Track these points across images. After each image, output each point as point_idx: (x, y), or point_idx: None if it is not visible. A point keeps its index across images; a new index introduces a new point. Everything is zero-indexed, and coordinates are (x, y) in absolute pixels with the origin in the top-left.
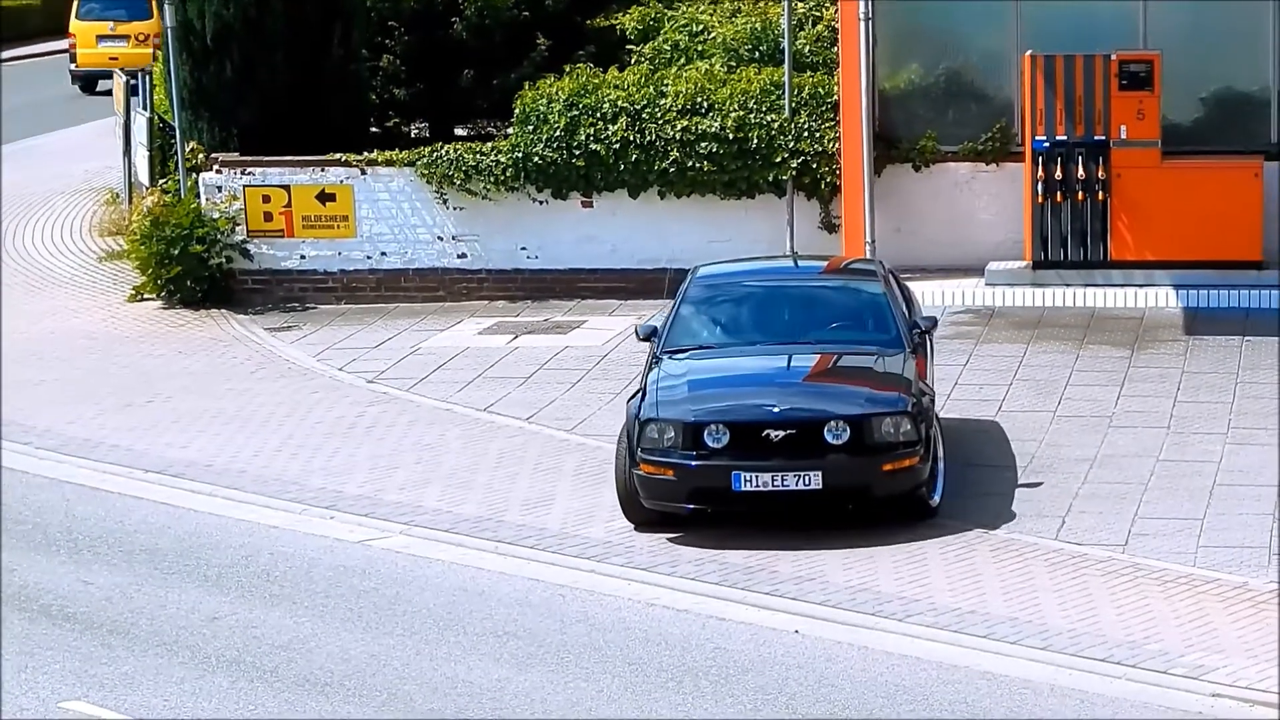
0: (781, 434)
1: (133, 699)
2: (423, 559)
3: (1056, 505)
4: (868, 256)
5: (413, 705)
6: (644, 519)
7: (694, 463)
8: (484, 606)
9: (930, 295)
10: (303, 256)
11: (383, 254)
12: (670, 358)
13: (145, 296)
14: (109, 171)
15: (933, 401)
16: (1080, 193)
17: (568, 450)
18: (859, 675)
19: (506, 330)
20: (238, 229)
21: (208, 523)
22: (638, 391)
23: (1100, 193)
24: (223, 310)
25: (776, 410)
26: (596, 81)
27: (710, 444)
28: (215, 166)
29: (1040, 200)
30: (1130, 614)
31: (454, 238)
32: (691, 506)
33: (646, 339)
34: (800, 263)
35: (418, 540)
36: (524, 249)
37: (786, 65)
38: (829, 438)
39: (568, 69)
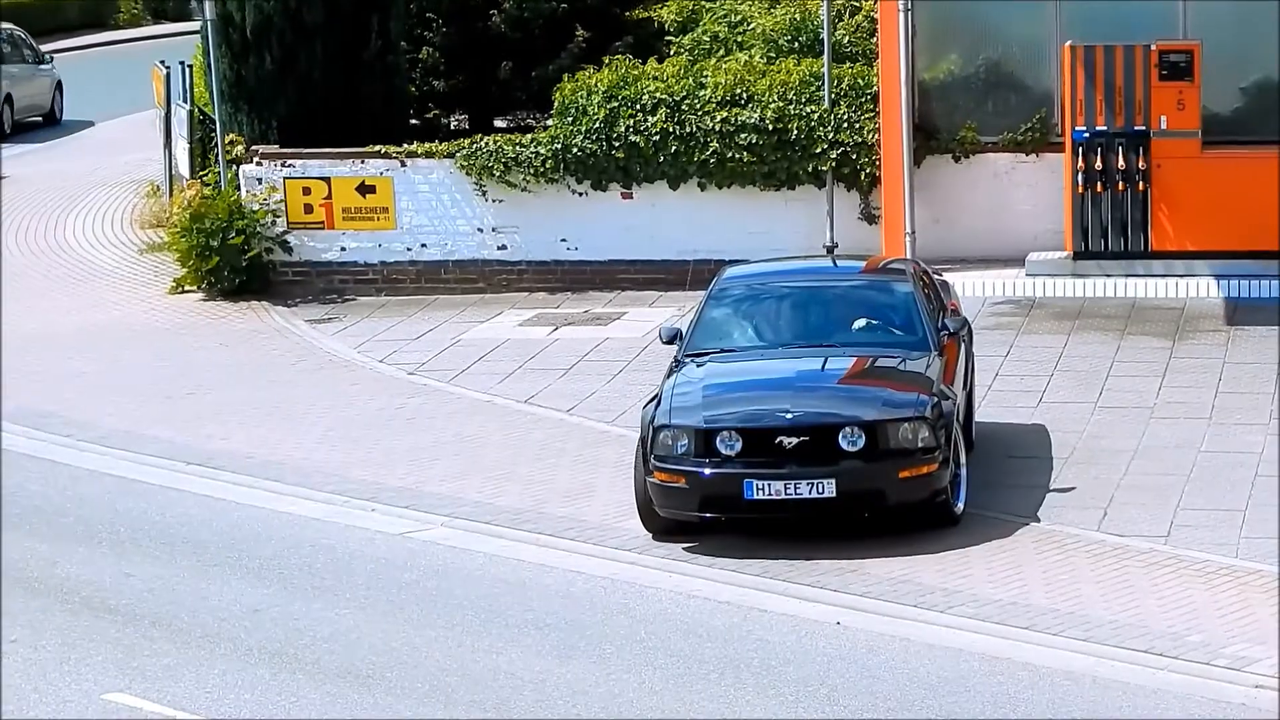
0: (795, 440)
1: (175, 690)
2: (464, 551)
3: (1098, 497)
4: (905, 256)
5: (454, 697)
6: (660, 528)
7: (706, 470)
8: (525, 598)
9: (970, 286)
10: (343, 248)
11: (423, 246)
12: (691, 362)
13: (186, 288)
14: (149, 164)
15: (955, 404)
16: (1120, 183)
17: (608, 442)
18: (901, 667)
19: (546, 322)
20: (278, 221)
21: (249, 515)
22: (654, 397)
23: (1140, 183)
24: (263, 302)
25: (790, 416)
26: (636, 73)
27: (723, 451)
28: (255, 159)
29: (1080, 190)
30: (1172, 605)
31: (494, 229)
32: (704, 515)
33: (670, 342)
34: (836, 262)
35: (459, 532)
36: (564, 240)
37: (826, 56)
38: (843, 444)
39: (606, 60)
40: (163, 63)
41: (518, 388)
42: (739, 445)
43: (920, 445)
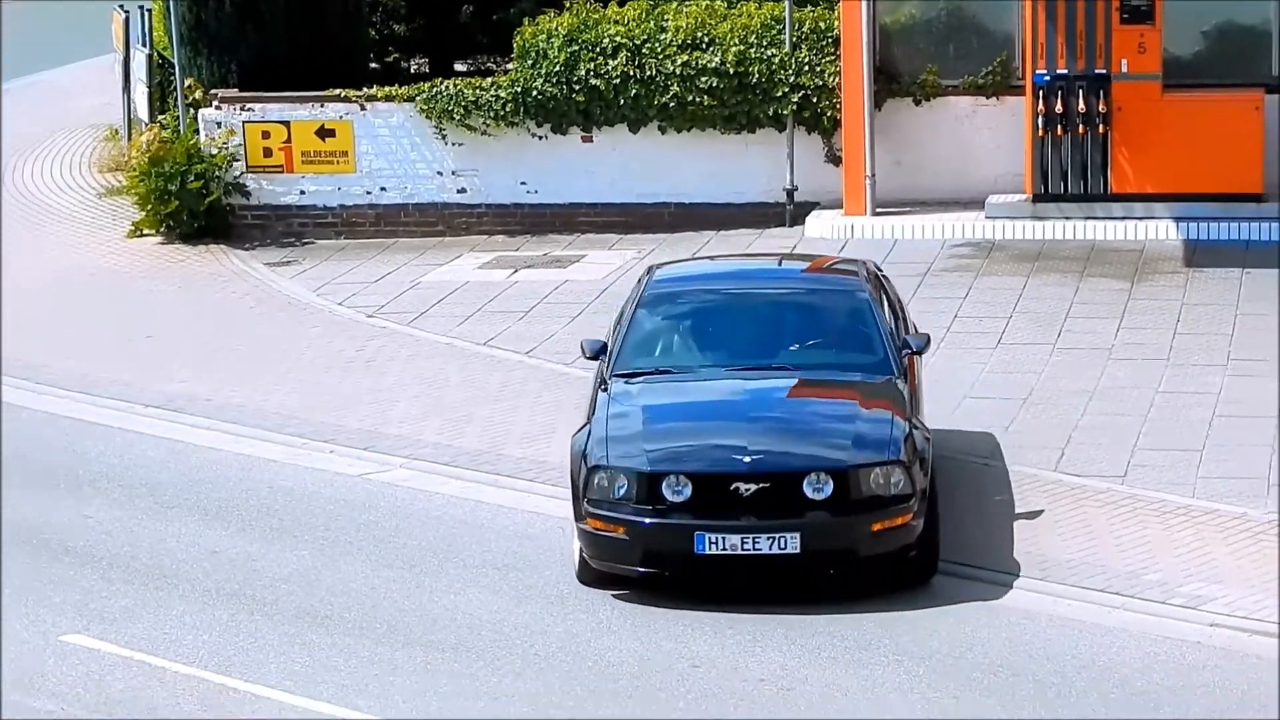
0: (753, 488)
1: (133, 632)
2: (423, 492)
3: (1056, 437)
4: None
5: (412, 637)
6: (591, 579)
7: (649, 519)
8: (484, 539)
9: (930, 229)
10: (302, 192)
11: (382, 189)
12: (622, 382)
13: (144, 232)
14: (109, 108)
15: (930, 441)
16: (1081, 126)
17: (568, 384)
18: None
19: (506, 265)
20: (236, 165)
21: (208, 457)
22: (584, 424)
23: (1101, 126)
24: (222, 246)
25: (747, 461)
26: (596, 16)
27: (669, 497)
28: (214, 103)
29: (1041, 134)
30: (1129, 544)
31: (453, 173)
32: (645, 570)
33: (594, 357)
34: (781, 263)
35: (418, 474)
36: (524, 184)
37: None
38: (808, 492)
39: (567, 4)
40: (121, 7)
41: (477, 330)
42: (688, 492)
43: (894, 493)
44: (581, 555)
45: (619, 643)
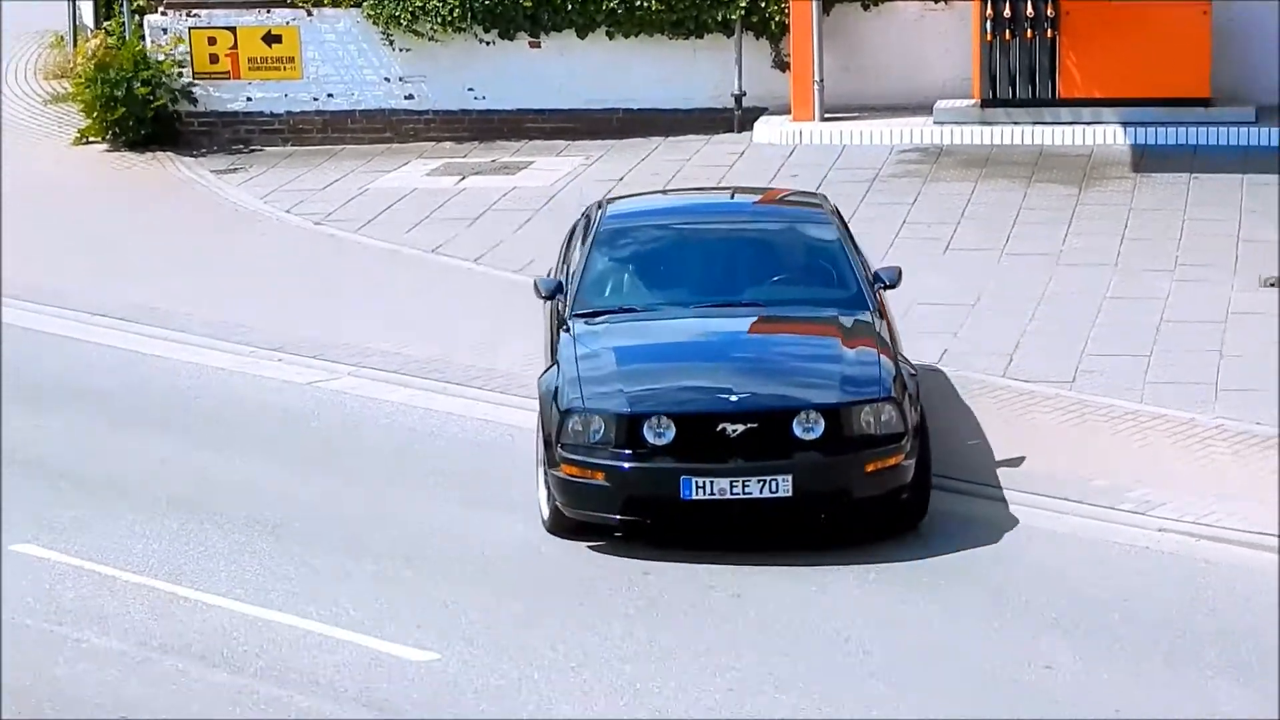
0: (741, 428)
1: (83, 541)
2: (372, 400)
3: (1004, 343)
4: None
5: (363, 544)
6: (563, 529)
7: (630, 464)
8: (433, 447)
9: (879, 134)
10: (249, 99)
11: (329, 95)
12: (583, 323)
13: (90, 140)
14: (54, 15)
15: (917, 378)
16: (1029, 30)
17: (516, 291)
18: None
19: (454, 171)
20: (183, 71)
21: (157, 366)
22: (549, 366)
23: (1049, 30)
24: (168, 153)
25: (734, 400)
26: None
27: (651, 440)
28: (160, 8)
29: (989, 38)
30: (1078, 450)
31: (401, 79)
32: (626, 518)
33: (550, 296)
34: (734, 196)
35: (367, 381)
36: (471, 90)
37: None
38: (798, 432)
39: None
40: None
41: (425, 237)
42: (671, 434)
43: (887, 432)
44: (552, 504)
45: (570, 548)
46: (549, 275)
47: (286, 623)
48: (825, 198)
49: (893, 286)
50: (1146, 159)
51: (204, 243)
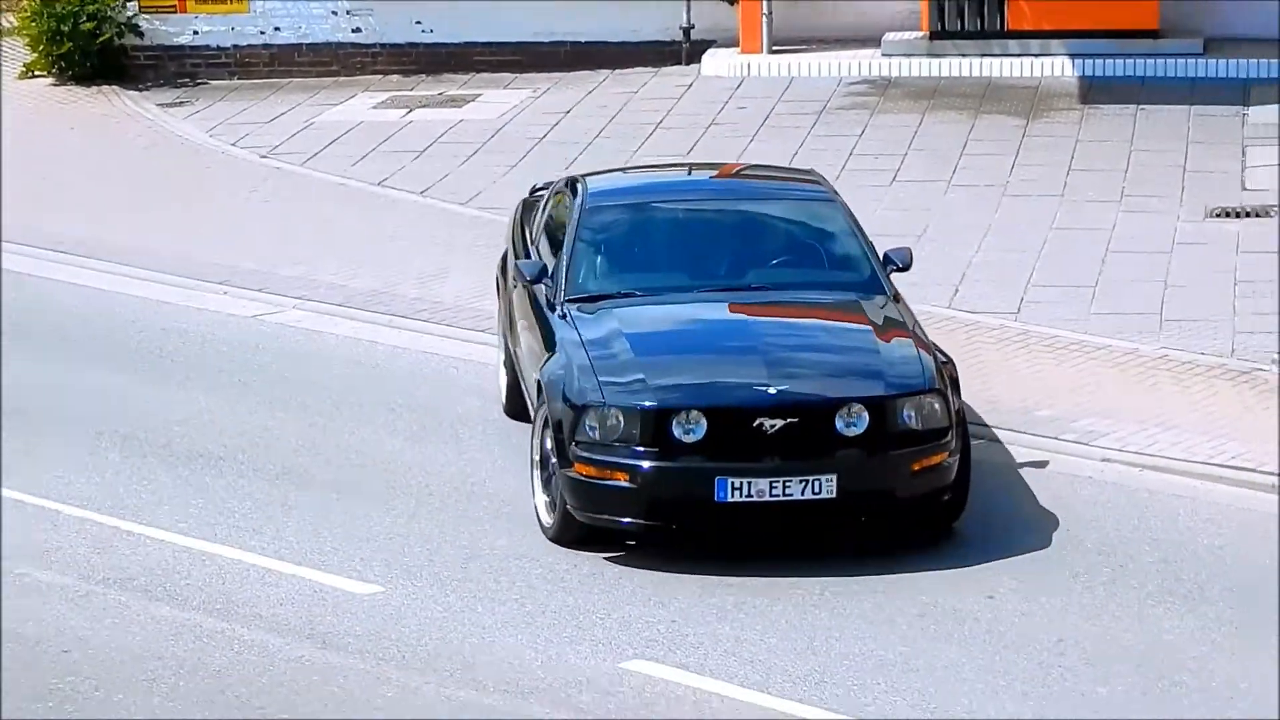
0: (779, 423)
1: (25, 475)
2: (317, 333)
3: (950, 274)
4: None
5: (308, 477)
6: (572, 538)
7: (657, 464)
8: (378, 380)
9: (827, 66)
10: (195, 32)
11: (276, 29)
12: (580, 308)
13: (36, 73)
14: None
15: (955, 369)
16: None
17: (463, 224)
18: None
19: (401, 104)
20: (129, 5)
21: (101, 299)
22: (547, 355)
23: None
24: (114, 87)
25: (772, 393)
26: None
27: (679, 437)
28: None
29: None
30: (1023, 380)
31: (348, 12)
32: (652, 524)
33: (537, 280)
34: (721, 174)
35: (311, 314)
36: (419, 23)
37: None
38: (841, 427)
39: None
40: None
41: (371, 170)
42: (702, 430)
43: (933, 427)
44: (561, 508)
45: (514, 481)
46: (514, 253)
47: (229, 556)
48: (820, 175)
49: (905, 269)
50: (1094, 90)
51: (149, 176)
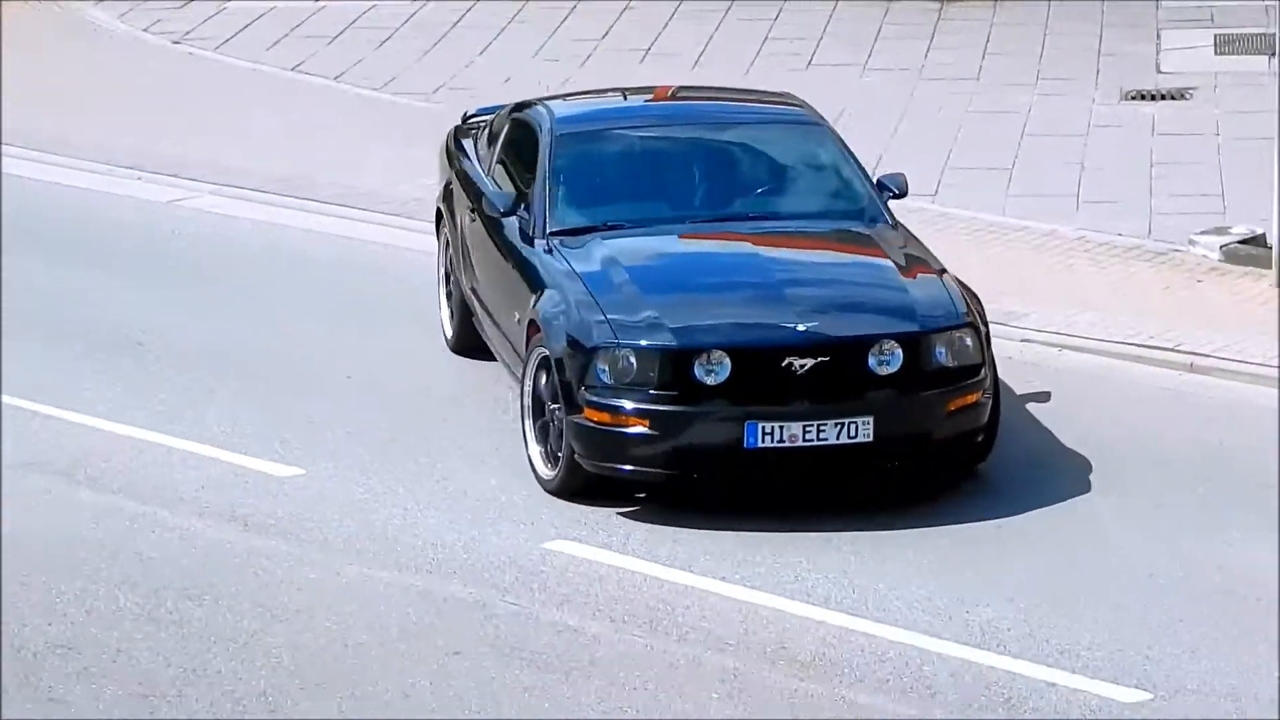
0: (810, 362)
1: None
2: (232, 218)
3: (866, 157)
4: (784, 91)
5: (226, 362)
6: (577, 488)
7: (681, 408)
8: (294, 264)
9: None
10: None
11: None
12: (565, 242)
13: None
14: None
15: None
16: None
17: (378, 108)
18: None
19: None
20: None
21: (14, 186)
22: (536, 293)
23: None
24: None
25: (801, 330)
26: None
27: (702, 379)
28: None
29: None
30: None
31: None
32: (671, 473)
33: (511, 212)
34: (696, 97)
35: (228, 200)
36: None
37: None
38: (874, 366)
39: None
40: None
41: (285, 55)
42: (727, 371)
43: (966, 363)
44: (568, 458)
45: (439, 366)
46: (461, 185)
47: (151, 440)
48: (801, 99)
49: (901, 195)
50: None
51: (61, 63)
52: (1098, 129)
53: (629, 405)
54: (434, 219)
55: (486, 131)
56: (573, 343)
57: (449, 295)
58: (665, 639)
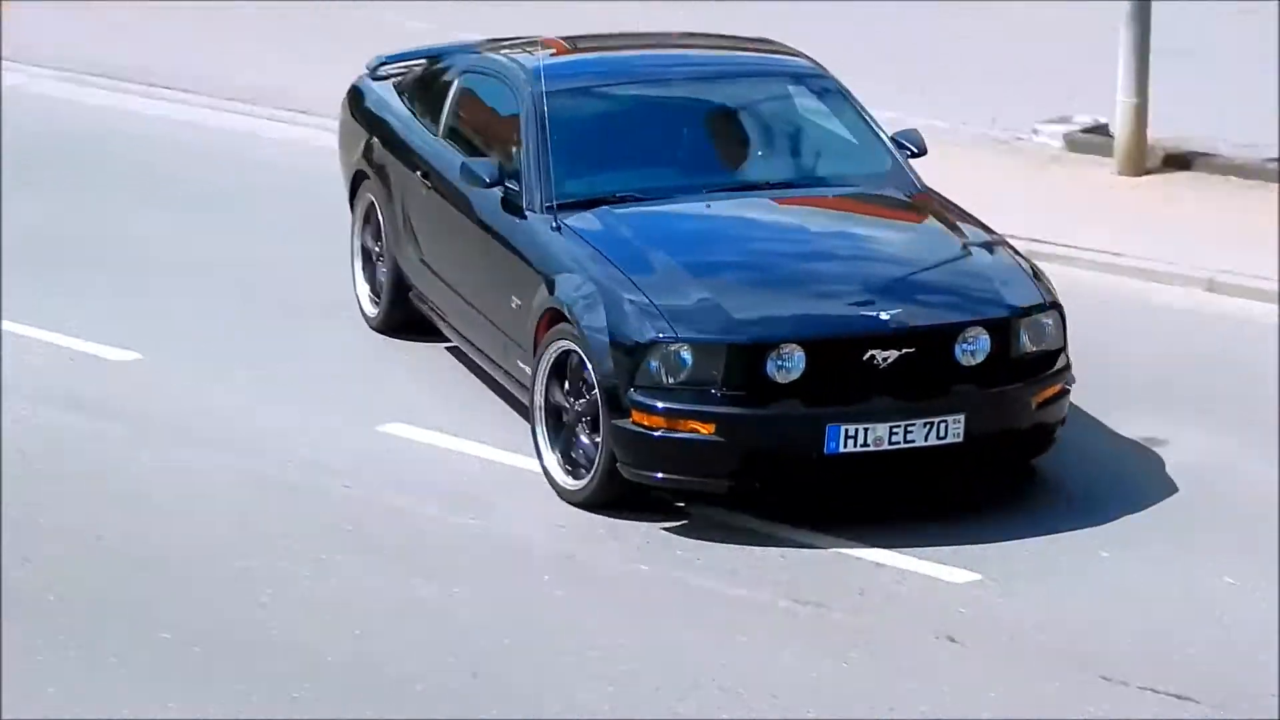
0: (894, 355)
1: None
2: (70, 103)
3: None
4: (776, 40)
5: (60, 248)
6: (609, 499)
7: (752, 410)
8: (137, 149)
9: None
10: None
11: None
12: (572, 220)
13: None
14: None
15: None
16: None
17: None
18: None
19: None
20: None
21: None
22: (546, 274)
23: None
24: None
25: (885, 316)
26: None
27: (774, 377)
28: None
29: None
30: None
31: None
32: (735, 484)
33: (495, 184)
34: (689, 47)
35: (69, 85)
36: None
37: None
38: (960, 357)
39: None
40: None
41: None
42: (801, 367)
43: (1048, 348)
44: (606, 466)
45: (284, 256)
46: (387, 145)
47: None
48: (799, 50)
49: (921, 153)
50: None
51: None
52: (944, 19)
53: (691, 407)
54: (347, 185)
55: (417, 86)
56: (617, 335)
57: (365, 269)
58: (498, 521)
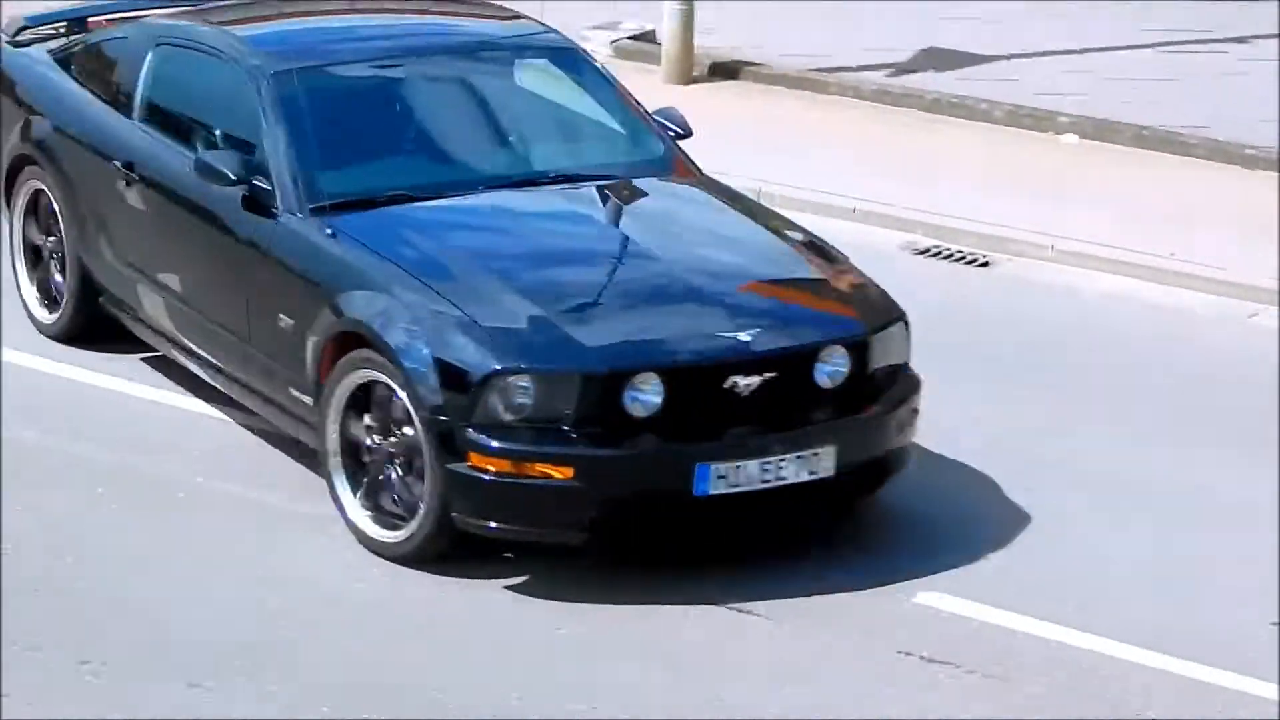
0: (755, 381)
1: None
2: None
3: None
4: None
5: None
6: (437, 554)
7: (610, 451)
8: None
9: None
10: None
11: None
12: (343, 223)
13: None
14: None
15: None
16: None
17: None
18: None
19: None
20: None
21: None
22: (326, 288)
23: None
24: None
25: (744, 337)
26: None
27: (630, 410)
28: None
29: None
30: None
31: None
32: (589, 535)
33: (239, 181)
34: (420, 15)
35: None
36: None
37: None
38: (821, 379)
39: None
40: None
41: None
42: (659, 397)
43: (897, 363)
44: (436, 517)
45: None
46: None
47: None
48: (528, 16)
49: (686, 135)
50: None
51: None
52: None
53: (542, 449)
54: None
55: (89, 57)
56: (445, 365)
57: (33, 271)
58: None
